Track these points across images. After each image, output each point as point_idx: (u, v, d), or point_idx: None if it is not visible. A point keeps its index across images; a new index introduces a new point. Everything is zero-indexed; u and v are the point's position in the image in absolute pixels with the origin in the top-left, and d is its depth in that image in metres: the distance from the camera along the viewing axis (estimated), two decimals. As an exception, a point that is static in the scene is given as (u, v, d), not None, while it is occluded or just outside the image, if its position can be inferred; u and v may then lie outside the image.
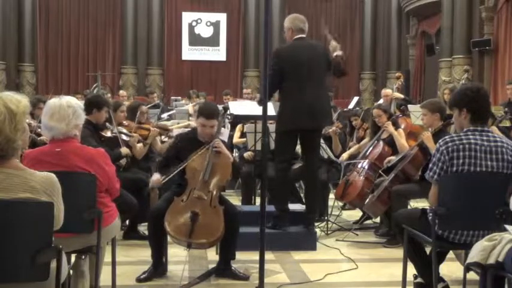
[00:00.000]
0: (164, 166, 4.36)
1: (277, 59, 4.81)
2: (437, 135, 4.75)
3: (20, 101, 2.41)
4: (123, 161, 5.13)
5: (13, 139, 2.34)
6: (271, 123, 5.98)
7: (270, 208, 5.06)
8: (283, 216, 4.91)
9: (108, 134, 5.12)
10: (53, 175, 2.45)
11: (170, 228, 3.90)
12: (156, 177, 4.25)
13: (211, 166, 4.14)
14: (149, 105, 9.81)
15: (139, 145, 5.40)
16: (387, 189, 5.09)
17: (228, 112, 5.48)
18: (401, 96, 9.01)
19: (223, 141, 4.47)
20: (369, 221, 5.95)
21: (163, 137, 6.18)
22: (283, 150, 4.98)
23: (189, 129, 5.82)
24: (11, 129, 2.33)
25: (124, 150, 5.11)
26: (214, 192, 4.07)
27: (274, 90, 4.92)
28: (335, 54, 4.94)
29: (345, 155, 6.21)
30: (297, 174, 5.61)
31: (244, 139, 6.74)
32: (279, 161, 4.98)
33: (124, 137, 5.24)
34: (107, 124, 5.19)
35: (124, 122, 5.61)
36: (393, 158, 5.35)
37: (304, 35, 4.97)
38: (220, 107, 5.44)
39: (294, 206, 5.30)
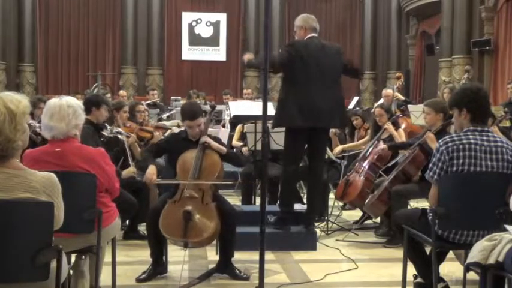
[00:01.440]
0: (152, 152, 4.43)
1: (290, 47, 4.78)
2: (438, 136, 4.75)
3: (20, 101, 2.41)
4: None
5: (13, 139, 2.34)
6: (271, 123, 5.99)
7: (270, 208, 5.07)
8: (287, 218, 4.91)
9: (107, 133, 5.11)
10: (53, 175, 2.45)
11: (165, 230, 3.92)
12: (152, 171, 4.18)
13: (200, 164, 4.15)
14: (148, 102, 9.82)
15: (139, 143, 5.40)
16: (387, 189, 5.08)
17: (216, 110, 5.47)
18: (403, 98, 9.02)
19: (217, 138, 4.50)
20: (368, 221, 5.95)
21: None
22: (292, 153, 4.95)
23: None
24: (10, 129, 2.33)
25: (132, 169, 5.09)
26: (205, 189, 4.08)
27: (273, 66, 4.72)
28: None
29: (338, 148, 6.19)
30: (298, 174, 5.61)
31: (242, 143, 6.73)
32: (287, 164, 4.96)
33: (122, 137, 5.22)
34: (106, 124, 5.18)
35: (127, 123, 5.60)
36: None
37: (316, 34, 4.95)
38: (207, 105, 5.45)
39: (294, 206, 5.30)
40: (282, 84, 5.00)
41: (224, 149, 4.37)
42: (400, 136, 5.73)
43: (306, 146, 5.10)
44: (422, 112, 5.55)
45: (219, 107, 7.32)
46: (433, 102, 5.14)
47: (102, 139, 4.96)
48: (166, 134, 6.11)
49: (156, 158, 4.46)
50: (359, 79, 5.20)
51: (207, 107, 5.08)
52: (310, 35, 4.89)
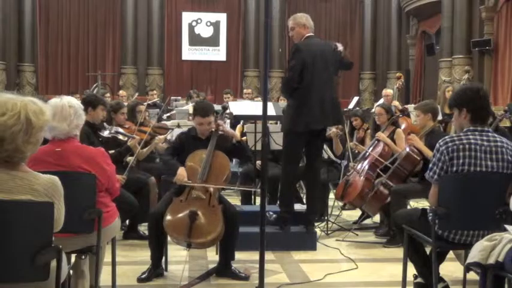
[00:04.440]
0: (171, 154, 4.39)
1: (298, 53, 4.77)
2: (429, 135, 4.91)
3: (43, 113, 2.36)
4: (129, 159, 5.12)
5: (21, 150, 2.31)
6: (271, 124, 5.99)
7: (270, 208, 5.07)
8: (287, 217, 4.91)
9: (106, 133, 5.10)
10: (57, 178, 2.43)
11: (169, 228, 3.92)
12: (182, 172, 4.14)
13: (209, 166, 4.15)
14: (148, 102, 9.77)
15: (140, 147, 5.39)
16: (383, 186, 5.14)
17: (227, 111, 5.47)
18: (400, 107, 9.00)
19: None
20: (367, 221, 5.96)
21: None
22: (293, 153, 4.97)
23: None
24: (23, 140, 2.30)
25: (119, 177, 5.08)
26: (213, 192, 4.08)
27: (292, 87, 4.78)
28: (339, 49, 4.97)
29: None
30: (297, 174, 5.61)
31: (245, 138, 6.73)
32: (288, 163, 4.97)
33: (121, 137, 5.21)
34: (105, 124, 5.17)
35: (125, 125, 5.59)
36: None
37: (313, 34, 4.99)
38: (219, 106, 5.43)
39: (294, 206, 5.30)
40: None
41: (237, 134, 4.38)
42: (399, 136, 5.71)
43: (306, 147, 5.10)
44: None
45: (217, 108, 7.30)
46: (420, 105, 5.31)
47: (100, 139, 4.94)
48: (167, 134, 6.09)
49: (178, 154, 4.39)
50: (350, 69, 5.24)
51: (219, 107, 5.07)
52: (309, 34, 4.92)
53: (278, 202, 5.22)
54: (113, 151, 4.94)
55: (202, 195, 4.05)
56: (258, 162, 5.66)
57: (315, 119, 4.76)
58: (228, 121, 7.67)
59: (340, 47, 4.96)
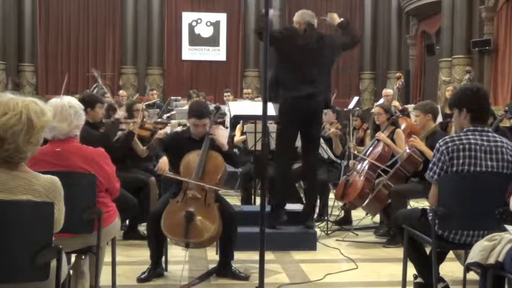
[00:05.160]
0: (161, 145, 4.40)
1: (283, 29, 4.88)
2: (431, 137, 4.89)
3: (44, 113, 2.38)
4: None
5: (22, 150, 2.32)
6: (271, 124, 5.99)
7: (269, 208, 5.06)
8: (278, 212, 4.89)
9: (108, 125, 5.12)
10: (57, 179, 2.44)
11: (167, 229, 3.92)
12: (165, 160, 4.15)
13: (204, 165, 4.15)
14: (148, 102, 9.78)
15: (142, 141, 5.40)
16: (385, 188, 5.13)
17: (220, 111, 5.46)
18: (400, 107, 9.01)
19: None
20: (367, 221, 5.95)
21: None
22: (284, 143, 4.99)
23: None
24: (24, 140, 2.30)
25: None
26: (208, 190, 4.08)
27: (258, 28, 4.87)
28: (338, 21, 5.13)
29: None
30: (297, 174, 5.61)
31: (244, 136, 6.73)
32: (280, 154, 5.01)
33: (123, 126, 5.23)
34: (104, 120, 5.17)
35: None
36: None
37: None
38: (212, 106, 5.42)
39: (294, 206, 5.30)
40: (275, 70, 5.01)
41: (226, 146, 4.39)
42: (399, 137, 5.70)
43: (301, 138, 5.08)
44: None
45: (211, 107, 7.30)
46: (420, 105, 5.29)
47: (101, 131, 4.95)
48: (167, 127, 6.09)
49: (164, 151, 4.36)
50: (358, 43, 5.29)
51: (212, 107, 5.07)
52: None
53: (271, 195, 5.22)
54: (117, 137, 4.97)
55: (198, 194, 4.05)
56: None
57: (296, 104, 4.78)
58: (227, 120, 7.68)
59: (327, 18, 5.03)
